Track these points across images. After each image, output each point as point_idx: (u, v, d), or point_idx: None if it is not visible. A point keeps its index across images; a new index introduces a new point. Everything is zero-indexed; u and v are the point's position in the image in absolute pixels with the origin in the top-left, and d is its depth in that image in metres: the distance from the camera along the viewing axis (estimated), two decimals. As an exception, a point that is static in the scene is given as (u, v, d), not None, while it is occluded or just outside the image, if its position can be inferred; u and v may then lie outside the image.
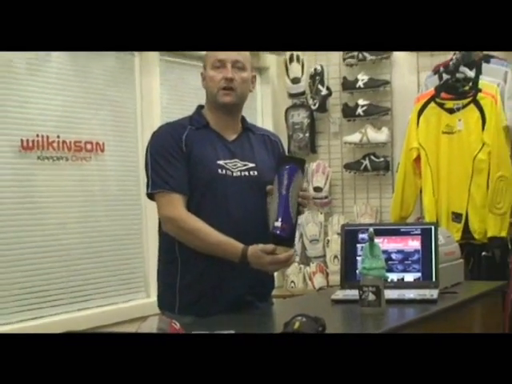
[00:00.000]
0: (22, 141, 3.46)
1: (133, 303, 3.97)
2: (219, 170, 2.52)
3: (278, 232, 2.38)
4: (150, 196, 2.57)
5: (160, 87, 4.19)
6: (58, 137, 3.63)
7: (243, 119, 2.68)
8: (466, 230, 4.16)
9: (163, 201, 2.52)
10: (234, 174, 2.54)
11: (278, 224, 2.38)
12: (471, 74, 4.23)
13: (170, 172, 2.51)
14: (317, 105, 4.85)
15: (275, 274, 2.69)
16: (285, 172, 2.41)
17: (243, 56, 2.57)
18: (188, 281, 2.53)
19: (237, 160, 2.56)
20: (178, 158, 2.51)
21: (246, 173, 2.56)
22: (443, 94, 4.27)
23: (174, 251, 2.53)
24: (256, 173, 2.57)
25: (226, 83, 2.52)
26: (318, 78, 4.84)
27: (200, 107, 2.66)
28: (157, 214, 2.59)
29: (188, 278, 2.53)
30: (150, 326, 1.90)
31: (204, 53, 2.66)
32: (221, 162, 2.53)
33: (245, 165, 2.57)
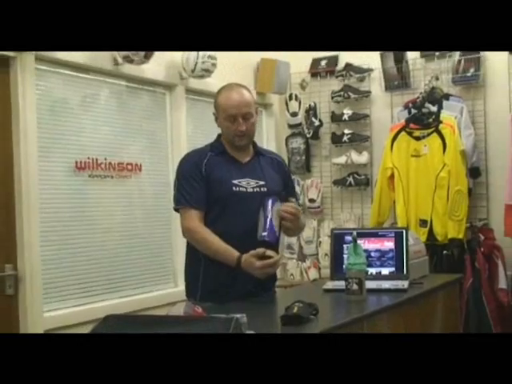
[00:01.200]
0: (76, 162, 3.46)
1: (163, 292, 3.95)
2: (233, 188, 2.53)
3: (264, 238, 2.41)
4: (176, 209, 2.60)
5: (186, 120, 4.19)
6: (105, 159, 3.63)
7: (254, 144, 2.68)
8: (431, 233, 4.15)
9: (184, 214, 2.55)
10: (249, 190, 2.55)
11: (265, 233, 2.41)
12: (434, 108, 4.23)
13: (190, 192, 2.52)
14: (311, 133, 4.85)
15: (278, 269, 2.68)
16: (268, 202, 2.46)
17: (249, 106, 2.55)
18: (208, 277, 2.54)
19: (248, 179, 2.57)
20: (198, 181, 2.52)
21: (258, 189, 2.57)
22: (412, 125, 4.28)
23: (199, 254, 2.55)
24: (266, 189, 2.58)
25: (240, 133, 2.53)
26: (311, 112, 4.84)
27: (219, 135, 2.67)
28: (182, 222, 2.62)
29: (208, 274, 2.54)
30: (178, 310, 1.90)
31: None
32: (235, 181, 2.54)
33: (256, 182, 2.58)
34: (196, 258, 2.56)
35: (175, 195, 2.58)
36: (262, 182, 2.58)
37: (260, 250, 2.36)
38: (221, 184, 2.53)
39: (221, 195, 2.52)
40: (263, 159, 2.68)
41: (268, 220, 2.41)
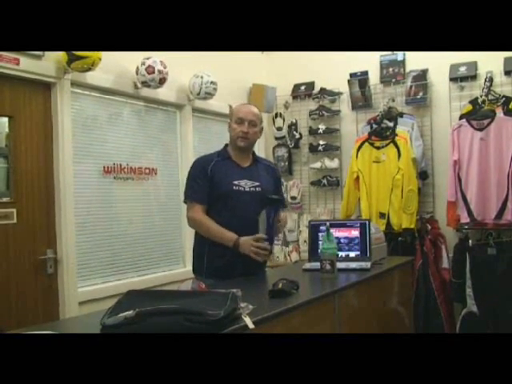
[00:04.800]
0: (103, 167, 3.44)
1: (174, 271, 3.92)
2: (233, 187, 2.53)
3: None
4: (184, 202, 2.62)
5: (192, 133, 4.17)
6: (127, 164, 3.60)
7: (253, 153, 2.70)
8: (388, 224, 4.15)
9: (189, 207, 2.56)
10: (246, 189, 2.56)
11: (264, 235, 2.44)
12: (391, 124, 4.23)
13: (196, 189, 2.53)
14: (293, 144, 4.84)
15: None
16: (272, 209, 2.45)
17: (256, 116, 2.60)
18: (212, 257, 2.53)
19: (246, 180, 2.57)
20: (203, 181, 2.53)
21: (254, 189, 2.58)
22: (373, 137, 4.27)
23: (204, 241, 2.54)
24: (260, 189, 2.59)
25: (243, 134, 2.54)
26: (293, 127, 4.83)
27: (226, 145, 2.68)
28: (190, 214, 2.60)
29: (212, 255, 2.53)
30: (186, 286, 1.88)
31: (226, 112, 2.67)
32: (235, 182, 2.55)
33: (253, 183, 2.58)
34: (202, 241, 2.56)
35: (185, 191, 2.61)
36: (257, 183, 2.59)
37: (258, 235, 2.39)
38: (223, 183, 2.53)
39: (223, 192, 2.53)
40: (260, 166, 2.69)
41: (269, 225, 2.43)
